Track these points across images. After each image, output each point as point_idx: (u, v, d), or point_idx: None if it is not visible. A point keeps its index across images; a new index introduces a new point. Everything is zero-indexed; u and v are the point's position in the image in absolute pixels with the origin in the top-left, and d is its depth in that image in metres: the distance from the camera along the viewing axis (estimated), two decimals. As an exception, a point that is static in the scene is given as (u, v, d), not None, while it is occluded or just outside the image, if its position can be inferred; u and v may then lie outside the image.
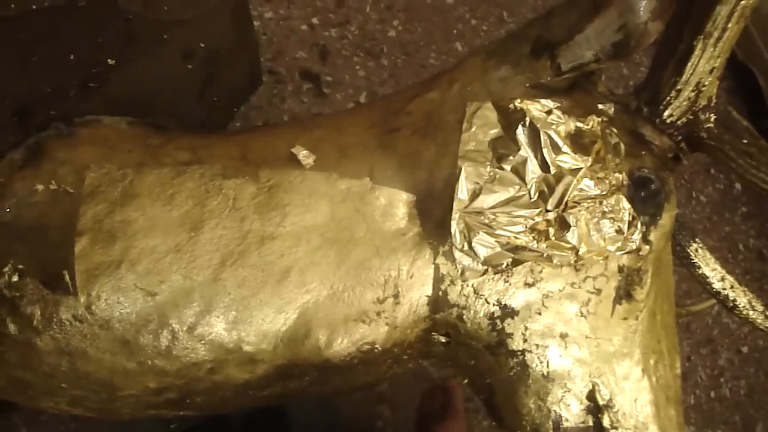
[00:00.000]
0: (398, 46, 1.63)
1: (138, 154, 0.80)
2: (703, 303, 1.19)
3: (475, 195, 0.74)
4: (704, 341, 1.79)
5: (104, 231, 0.75)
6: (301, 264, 0.75)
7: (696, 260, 0.90)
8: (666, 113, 0.81)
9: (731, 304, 0.89)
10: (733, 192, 1.90)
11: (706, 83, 0.78)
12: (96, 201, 0.76)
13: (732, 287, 0.89)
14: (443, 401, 1.27)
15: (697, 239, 0.90)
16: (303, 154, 0.78)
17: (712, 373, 1.79)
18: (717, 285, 0.89)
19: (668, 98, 0.80)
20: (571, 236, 0.74)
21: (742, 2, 0.72)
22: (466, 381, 0.85)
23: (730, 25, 0.74)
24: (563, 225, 0.74)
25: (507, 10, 1.44)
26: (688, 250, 0.90)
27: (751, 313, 0.90)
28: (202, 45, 0.96)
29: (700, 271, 0.90)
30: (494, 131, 0.77)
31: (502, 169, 0.75)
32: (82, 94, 0.84)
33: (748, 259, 1.89)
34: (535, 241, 0.74)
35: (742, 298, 0.89)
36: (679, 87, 0.79)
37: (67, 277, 0.73)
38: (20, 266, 0.74)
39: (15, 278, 0.74)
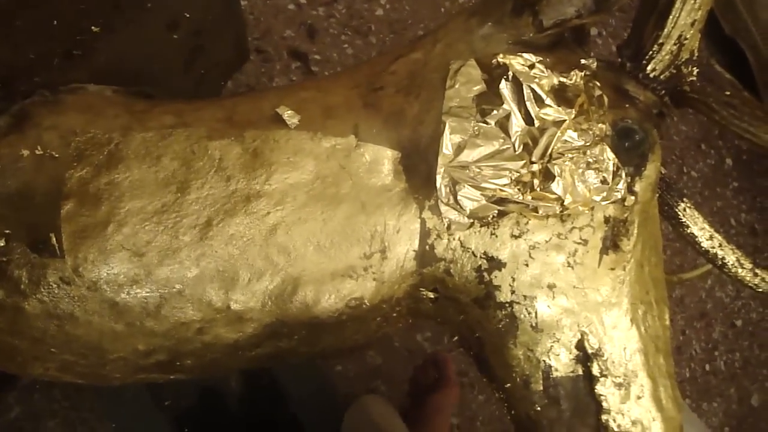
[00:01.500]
0: (386, 25, 1.63)
1: (124, 119, 0.80)
2: (694, 270, 1.19)
3: (459, 149, 0.74)
4: (698, 315, 1.79)
5: (90, 194, 0.75)
6: (288, 221, 0.75)
7: (684, 219, 0.90)
8: (649, 68, 0.81)
9: (720, 263, 0.90)
10: (724, 167, 1.90)
11: (688, 36, 0.78)
12: (82, 165, 0.76)
13: (720, 245, 0.89)
14: (436, 373, 1.28)
15: (684, 199, 0.90)
16: (288, 114, 0.78)
17: (707, 346, 1.79)
18: (705, 244, 0.89)
19: (650, 53, 0.80)
20: (556, 187, 0.74)
21: (721, -49, 0.72)
22: (455, 338, 0.85)
23: (709, -25, 0.74)
24: (548, 176, 0.74)
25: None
26: (676, 210, 0.90)
27: (739, 270, 0.90)
28: (187, 15, 0.96)
29: (688, 231, 0.90)
30: (478, 87, 0.77)
31: (486, 123, 0.75)
32: (67, 62, 0.84)
33: (741, 234, 1.90)
34: (520, 193, 0.74)
35: (730, 256, 0.89)
36: (661, 41, 0.79)
37: (53, 240, 0.73)
38: (6, 231, 0.74)
39: (1, 243, 0.73)
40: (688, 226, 0.90)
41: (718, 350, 1.79)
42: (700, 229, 0.90)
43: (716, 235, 0.90)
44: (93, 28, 0.83)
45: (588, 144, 0.74)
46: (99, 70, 0.87)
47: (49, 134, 0.78)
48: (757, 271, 0.90)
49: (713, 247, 0.89)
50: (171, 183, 0.76)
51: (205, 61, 1.05)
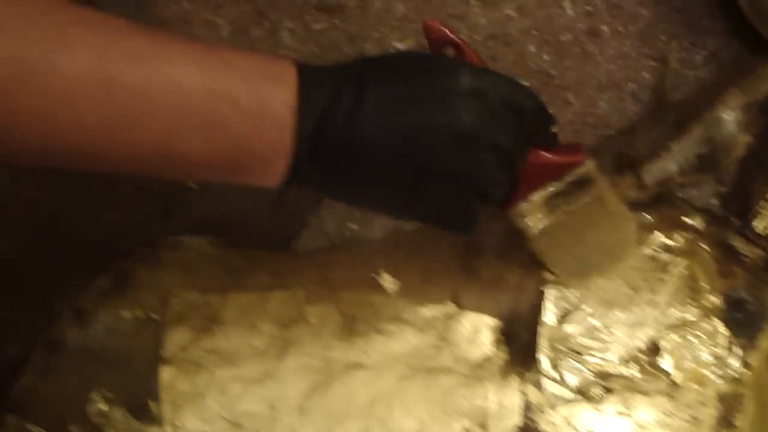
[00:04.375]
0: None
1: (220, 278, 0.81)
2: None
3: (562, 319, 0.73)
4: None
5: (189, 360, 0.75)
6: (387, 394, 0.74)
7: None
8: (757, 224, 0.78)
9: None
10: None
11: (799, 194, 0.76)
12: (180, 329, 0.76)
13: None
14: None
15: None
16: (387, 280, 0.77)
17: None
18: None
19: (758, 209, 0.78)
20: (664, 363, 0.71)
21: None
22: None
23: (821, 136, 0.72)
24: (656, 351, 0.71)
25: (572, 91, 1.39)
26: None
27: None
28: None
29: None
30: (580, 253, 0.75)
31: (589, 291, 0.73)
32: (165, 218, 0.86)
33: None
34: (627, 369, 0.71)
35: None
36: (769, 197, 0.77)
37: (152, 408, 0.74)
38: (108, 394, 0.75)
39: (105, 407, 0.74)
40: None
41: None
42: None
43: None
44: (192, 185, 0.85)
45: (698, 318, 0.72)
46: (193, 223, 0.88)
47: (148, 295, 0.79)
48: None
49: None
50: (268, 351, 0.75)
51: (292, 197, 1.06)
